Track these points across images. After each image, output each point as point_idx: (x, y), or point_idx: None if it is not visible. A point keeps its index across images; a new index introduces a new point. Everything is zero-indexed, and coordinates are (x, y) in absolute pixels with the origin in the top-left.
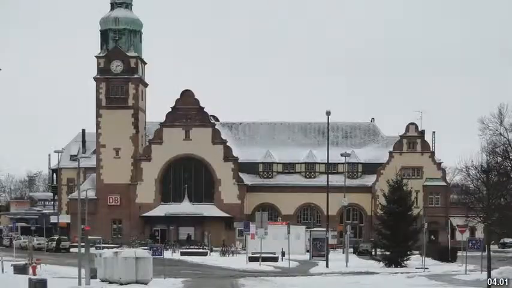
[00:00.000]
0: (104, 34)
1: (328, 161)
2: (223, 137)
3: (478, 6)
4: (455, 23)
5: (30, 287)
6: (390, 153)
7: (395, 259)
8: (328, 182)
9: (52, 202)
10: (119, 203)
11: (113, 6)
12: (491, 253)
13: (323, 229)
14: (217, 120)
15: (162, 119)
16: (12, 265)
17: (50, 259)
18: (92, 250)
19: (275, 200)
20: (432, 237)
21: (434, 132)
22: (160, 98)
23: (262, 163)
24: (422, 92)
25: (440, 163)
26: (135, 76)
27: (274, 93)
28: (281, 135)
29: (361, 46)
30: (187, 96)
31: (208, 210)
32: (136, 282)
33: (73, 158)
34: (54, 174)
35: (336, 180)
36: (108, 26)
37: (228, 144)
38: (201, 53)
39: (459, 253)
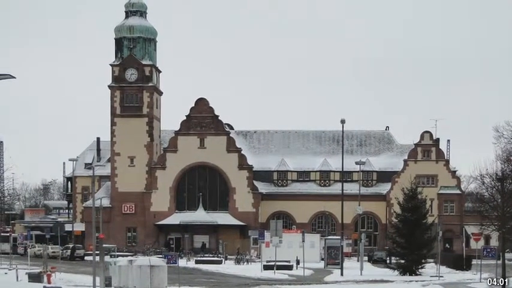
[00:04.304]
0: (119, 42)
1: (342, 169)
2: (238, 145)
3: (494, 14)
4: (472, 30)
5: None
6: (405, 161)
7: (410, 267)
8: (342, 190)
9: (67, 210)
10: (133, 211)
11: (128, 14)
12: (506, 261)
13: (338, 237)
14: (231, 128)
15: (177, 127)
16: (26, 273)
17: (64, 267)
18: (107, 258)
19: (290, 208)
20: (447, 245)
21: (449, 140)
22: (175, 106)
23: (277, 171)
24: (437, 100)
25: (455, 171)
26: (150, 84)
27: (289, 101)
28: (296, 144)
29: (376, 54)
30: (202, 104)
31: (223, 218)
32: None
33: (88, 166)
34: (69, 183)
35: (351, 188)
36: (122, 34)
37: (242, 152)
38: (216, 61)
39: (474, 261)
